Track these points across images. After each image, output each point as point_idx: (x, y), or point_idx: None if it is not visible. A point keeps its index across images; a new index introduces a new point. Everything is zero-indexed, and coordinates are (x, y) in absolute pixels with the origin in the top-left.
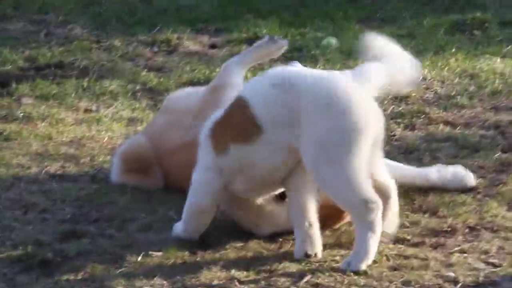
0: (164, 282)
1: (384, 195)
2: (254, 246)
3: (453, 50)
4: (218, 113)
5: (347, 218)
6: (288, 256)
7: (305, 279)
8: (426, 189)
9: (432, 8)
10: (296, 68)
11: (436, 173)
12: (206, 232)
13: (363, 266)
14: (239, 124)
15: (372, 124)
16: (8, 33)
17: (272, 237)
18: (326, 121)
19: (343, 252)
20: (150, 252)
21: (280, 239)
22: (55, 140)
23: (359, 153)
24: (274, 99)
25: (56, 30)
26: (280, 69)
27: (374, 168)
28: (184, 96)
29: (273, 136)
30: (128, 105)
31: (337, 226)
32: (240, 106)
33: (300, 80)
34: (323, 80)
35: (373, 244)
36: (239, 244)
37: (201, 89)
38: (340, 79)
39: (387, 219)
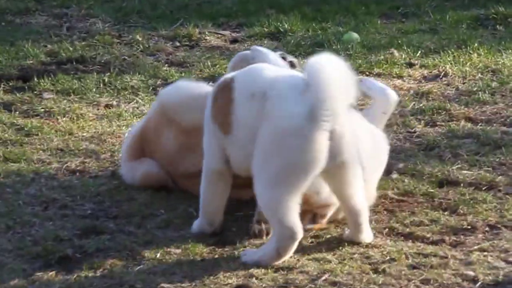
0: (183, 279)
1: (353, 218)
2: None
3: (476, 45)
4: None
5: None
6: (306, 255)
7: (323, 277)
8: (446, 187)
9: (454, 3)
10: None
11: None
12: (225, 228)
13: (250, 262)
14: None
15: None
16: (30, 28)
17: None
18: None
19: (362, 250)
20: (169, 249)
21: None
22: (75, 136)
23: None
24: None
25: (77, 24)
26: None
27: (347, 190)
28: (185, 102)
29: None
30: (149, 100)
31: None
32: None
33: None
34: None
35: (270, 260)
36: (258, 242)
37: (196, 87)
38: None
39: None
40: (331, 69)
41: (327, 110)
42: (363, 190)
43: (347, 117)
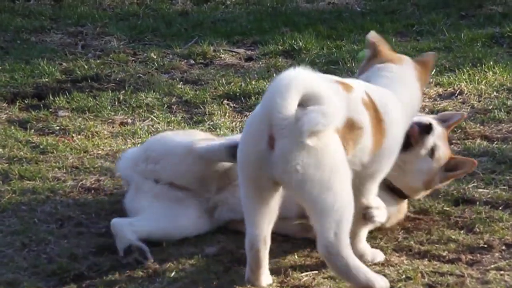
0: None
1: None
2: (288, 261)
3: (491, 63)
4: None
5: None
6: (322, 273)
7: None
8: (462, 205)
9: (469, 21)
10: None
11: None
12: (239, 248)
13: None
14: None
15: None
16: (45, 46)
17: (307, 254)
18: None
19: (377, 268)
20: (184, 267)
21: (315, 254)
22: (90, 153)
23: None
24: None
25: (93, 42)
26: None
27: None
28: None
29: None
30: (164, 118)
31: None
32: None
33: None
34: None
35: None
36: (273, 260)
37: (183, 140)
38: None
39: None
40: None
41: None
42: None
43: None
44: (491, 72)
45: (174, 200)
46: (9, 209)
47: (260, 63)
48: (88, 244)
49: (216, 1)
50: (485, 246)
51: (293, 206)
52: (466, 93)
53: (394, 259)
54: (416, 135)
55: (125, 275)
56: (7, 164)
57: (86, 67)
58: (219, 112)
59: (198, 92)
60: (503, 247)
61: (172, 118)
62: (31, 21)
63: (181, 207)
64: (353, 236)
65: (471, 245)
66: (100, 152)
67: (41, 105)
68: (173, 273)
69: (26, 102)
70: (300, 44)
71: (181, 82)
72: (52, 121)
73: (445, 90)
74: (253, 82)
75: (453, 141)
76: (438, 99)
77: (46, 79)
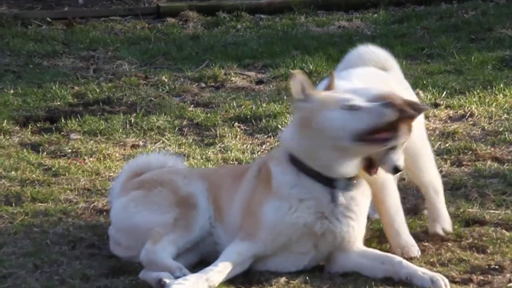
0: None
1: None
2: (298, 283)
3: (501, 86)
4: None
5: None
6: None
7: None
8: (473, 226)
9: (479, 44)
10: None
11: None
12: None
13: None
14: None
15: None
16: (57, 70)
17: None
18: None
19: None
20: None
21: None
22: (102, 176)
23: None
24: None
25: (104, 66)
26: None
27: None
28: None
29: None
30: (175, 140)
31: None
32: None
33: None
34: None
35: None
36: (283, 279)
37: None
38: None
39: None
40: None
41: None
42: None
43: None
44: (501, 95)
45: None
46: (21, 231)
47: (271, 86)
48: (100, 265)
49: (227, 25)
50: (496, 267)
51: None
52: (477, 115)
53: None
54: None
55: None
56: (19, 187)
57: (98, 90)
58: (230, 134)
59: (209, 114)
60: None
61: (183, 141)
62: (43, 45)
63: None
64: None
65: (482, 266)
66: (111, 174)
67: (53, 128)
68: None
69: (38, 125)
70: (311, 67)
71: (192, 105)
72: (64, 144)
73: (455, 112)
74: (263, 105)
75: (464, 163)
76: (448, 121)
77: (58, 103)
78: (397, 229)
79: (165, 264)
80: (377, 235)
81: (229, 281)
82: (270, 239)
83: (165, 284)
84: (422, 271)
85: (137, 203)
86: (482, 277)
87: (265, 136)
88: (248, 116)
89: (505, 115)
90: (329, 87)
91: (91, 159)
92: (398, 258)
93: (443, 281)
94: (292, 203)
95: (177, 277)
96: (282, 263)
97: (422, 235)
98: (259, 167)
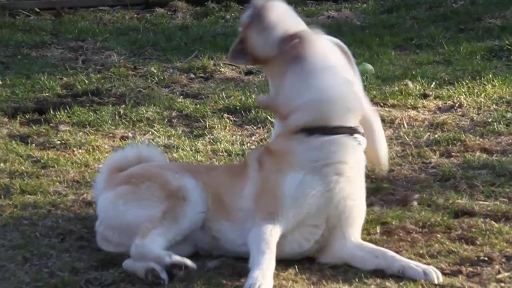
0: None
1: None
2: (288, 274)
3: (490, 76)
4: None
5: None
6: (323, 285)
7: None
8: (462, 218)
9: (468, 35)
10: None
11: None
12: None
13: None
14: None
15: None
16: (46, 61)
17: (307, 267)
18: None
19: (378, 280)
20: (187, 280)
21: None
22: (91, 168)
23: None
24: None
25: (93, 57)
26: None
27: None
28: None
29: None
30: (164, 132)
31: None
32: None
33: None
34: None
35: None
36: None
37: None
38: None
39: None
40: None
41: None
42: None
43: None
44: (490, 85)
45: None
46: (10, 223)
47: (260, 76)
48: (89, 258)
49: (216, 16)
50: (486, 258)
51: None
52: (466, 106)
53: None
54: None
55: None
56: (8, 179)
57: (86, 81)
58: (219, 125)
59: (198, 106)
60: (503, 260)
61: (173, 132)
62: (32, 36)
63: None
64: None
65: (472, 257)
66: (101, 166)
67: (42, 120)
68: (176, 286)
69: (27, 116)
70: None
71: (181, 96)
72: (53, 136)
73: (444, 103)
74: (253, 96)
75: (453, 153)
76: (437, 112)
77: (47, 94)
78: None
79: (154, 255)
80: (366, 227)
81: (218, 273)
82: (292, 214)
83: (158, 274)
84: (415, 264)
85: (126, 200)
86: (471, 269)
87: (255, 128)
88: (238, 107)
89: (494, 106)
90: None
91: (80, 150)
92: (391, 253)
93: (435, 273)
94: (311, 171)
95: (166, 265)
96: (296, 239)
97: (411, 227)
98: (258, 160)
